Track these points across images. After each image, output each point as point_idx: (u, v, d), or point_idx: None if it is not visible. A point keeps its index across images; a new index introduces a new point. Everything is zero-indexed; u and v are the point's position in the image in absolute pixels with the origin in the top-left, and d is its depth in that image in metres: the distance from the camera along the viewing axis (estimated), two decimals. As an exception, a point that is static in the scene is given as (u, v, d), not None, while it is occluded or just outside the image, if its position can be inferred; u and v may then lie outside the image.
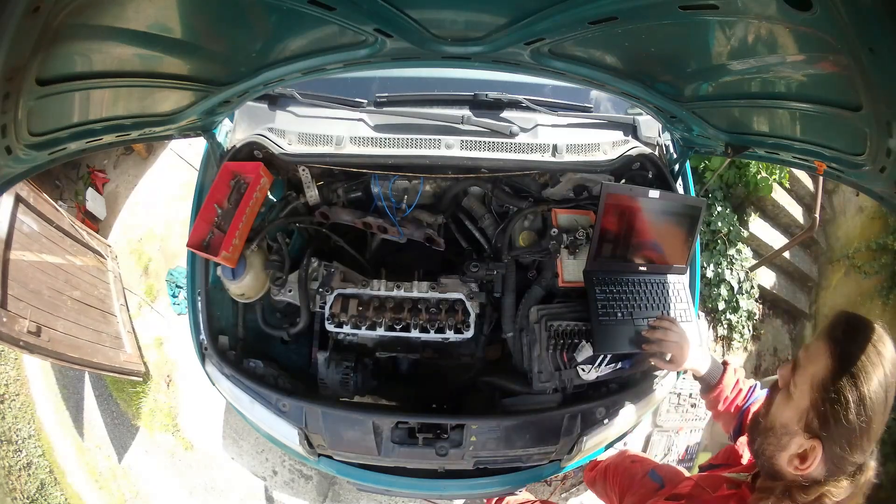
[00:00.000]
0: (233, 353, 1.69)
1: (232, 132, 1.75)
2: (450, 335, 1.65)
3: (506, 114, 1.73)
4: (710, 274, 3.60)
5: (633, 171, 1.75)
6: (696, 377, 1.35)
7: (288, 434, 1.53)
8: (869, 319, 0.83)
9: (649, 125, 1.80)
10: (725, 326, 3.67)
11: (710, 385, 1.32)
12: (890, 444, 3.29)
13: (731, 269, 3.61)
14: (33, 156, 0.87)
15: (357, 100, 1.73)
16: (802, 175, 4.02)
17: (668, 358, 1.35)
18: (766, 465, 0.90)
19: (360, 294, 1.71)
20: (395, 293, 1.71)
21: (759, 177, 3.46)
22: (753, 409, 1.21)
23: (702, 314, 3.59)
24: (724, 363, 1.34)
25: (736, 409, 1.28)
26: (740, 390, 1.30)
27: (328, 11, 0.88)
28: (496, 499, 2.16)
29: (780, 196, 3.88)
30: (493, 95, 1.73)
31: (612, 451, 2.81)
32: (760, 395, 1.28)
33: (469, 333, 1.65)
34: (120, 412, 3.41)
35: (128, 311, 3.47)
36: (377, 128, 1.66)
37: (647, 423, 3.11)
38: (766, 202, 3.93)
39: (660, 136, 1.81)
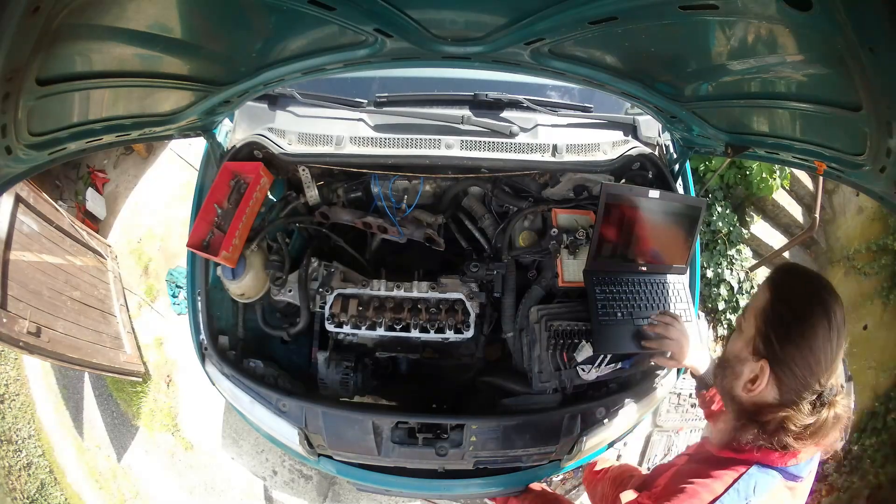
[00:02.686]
0: (233, 353, 1.69)
1: (232, 132, 1.75)
2: (450, 335, 1.65)
3: (506, 114, 1.73)
4: (710, 274, 3.60)
5: (633, 171, 1.75)
6: (694, 375, 1.35)
7: (288, 434, 1.53)
8: (807, 267, 0.96)
9: (649, 125, 1.80)
10: (725, 326, 3.67)
11: (707, 383, 1.32)
12: (890, 446, 3.29)
13: (731, 269, 3.61)
14: (33, 156, 0.87)
15: (357, 100, 1.73)
16: (802, 175, 4.02)
17: (668, 355, 1.35)
18: (728, 398, 0.98)
19: (360, 294, 1.71)
20: (395, 293, 1.71)
21: (760, 177, 3.45)
22: None
23: (702, 314, 3.59)
24: None
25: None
26: None
27: (328, 11, 0.88)
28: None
29: (780, 196, 3.88)
30: (493, 95, 1.73)
31: (612, 452, 2.83)
32: None
33: (469, 333, 1.65)
34: (120, 412, 3.41)
35: (128, 311, 3.47)
36: (377, 128, 1.66)
37: (647, 423, 3.11)
38: (766, 202, 3.93)
39: (660, 136, 1.81)
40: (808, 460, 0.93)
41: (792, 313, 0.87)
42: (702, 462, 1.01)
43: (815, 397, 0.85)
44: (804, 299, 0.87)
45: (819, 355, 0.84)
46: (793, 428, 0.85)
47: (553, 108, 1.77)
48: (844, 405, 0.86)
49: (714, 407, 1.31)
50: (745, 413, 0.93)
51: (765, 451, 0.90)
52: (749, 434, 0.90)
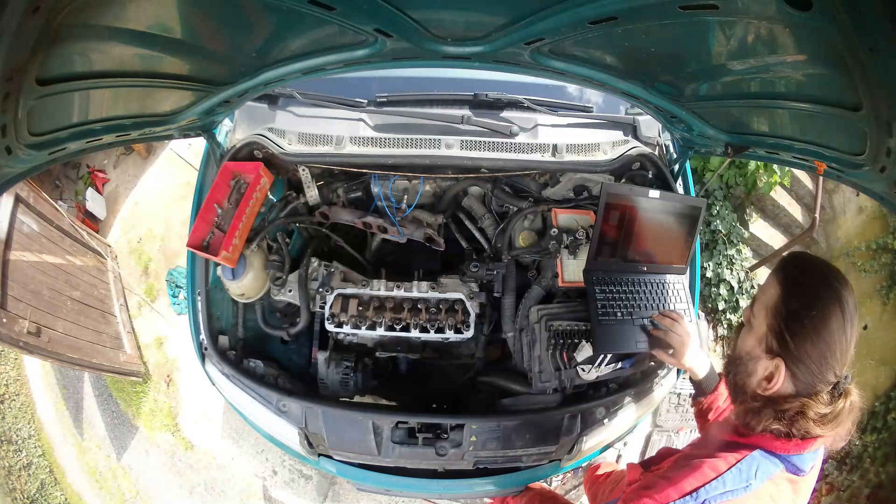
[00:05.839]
0: (233, 353, 1.69)
1: (232, 132, 1.75)
2: (450, 335, 1.65)
3: (506, 114, 1.73)
4: (710, 274, 3.60)
5: (633, 171, 1.75)
6: (692, 380, 1.33)
7: (288, 434, 1.54)
8: (815, 256, 0.95)
9: (649, 125, 1.80)
10: (725, 326, 3.67)
11: (704, 391, 1.30)
12: (890, 444, 3.29)
13: (731, 269, 3.62)
14: (33, 156, 0.87)
15: (357, 100, 1.72)
16: (802, 175, 4.02)
17: (670, 351, 1.34)
18: (740, 392, 0.96)
19: (360, 294, 1.71)
20: (395, 293, 1.71)
21: (758, 173, 3.45)
22: None
23: (702, 314, 3.59)
24: (720, 374, 1.31)
25: (726, 419, 1.25)
26: None
27: (328, 11, 0.88)
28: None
29: (780, 196, 3.88)
30: (493, 95, 1.73)
31: (612, 453, 2.82)
32: None
33: (469, 333, 1.65)
34: (120, 412, 3.42)
35: (128, 311, 3.47)
36: (377, 128, 1.66)
37: (647, 423, 3.11)
38: (766, 202, 3.93)
39: (660, 136, 1.81)
40: (813, 452, 0.90)
41: (805, 309, 0.85)
42: (706, 446, 1.01)
43: (831, 387, 0.84)
44: (815, 292, 0.85)
45: (834, 348, 0.83)
46: (812, 415, 0.84)
47: (553, 108, 1.76)
48: (857, 393, 0.86)
49: (711, 416, 1.29)
50: (761, 403, 0.91)
51: (769, 438, 0.89)
52: (765, 419, 0.89)
